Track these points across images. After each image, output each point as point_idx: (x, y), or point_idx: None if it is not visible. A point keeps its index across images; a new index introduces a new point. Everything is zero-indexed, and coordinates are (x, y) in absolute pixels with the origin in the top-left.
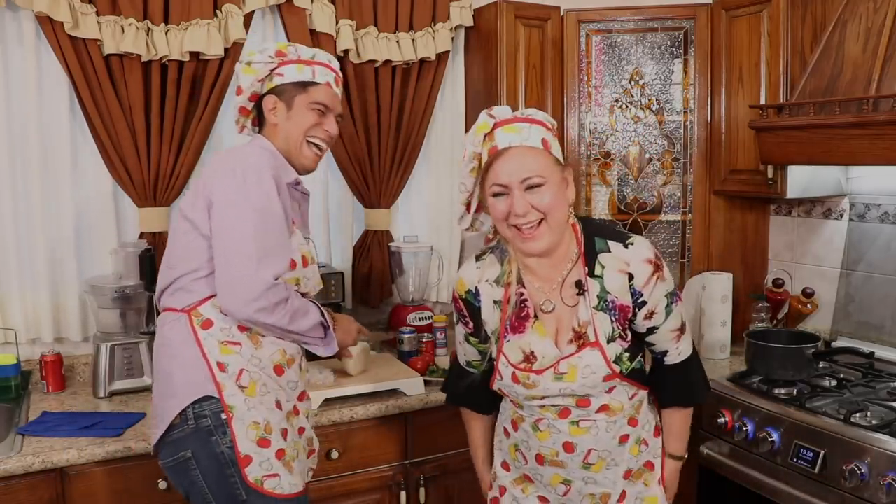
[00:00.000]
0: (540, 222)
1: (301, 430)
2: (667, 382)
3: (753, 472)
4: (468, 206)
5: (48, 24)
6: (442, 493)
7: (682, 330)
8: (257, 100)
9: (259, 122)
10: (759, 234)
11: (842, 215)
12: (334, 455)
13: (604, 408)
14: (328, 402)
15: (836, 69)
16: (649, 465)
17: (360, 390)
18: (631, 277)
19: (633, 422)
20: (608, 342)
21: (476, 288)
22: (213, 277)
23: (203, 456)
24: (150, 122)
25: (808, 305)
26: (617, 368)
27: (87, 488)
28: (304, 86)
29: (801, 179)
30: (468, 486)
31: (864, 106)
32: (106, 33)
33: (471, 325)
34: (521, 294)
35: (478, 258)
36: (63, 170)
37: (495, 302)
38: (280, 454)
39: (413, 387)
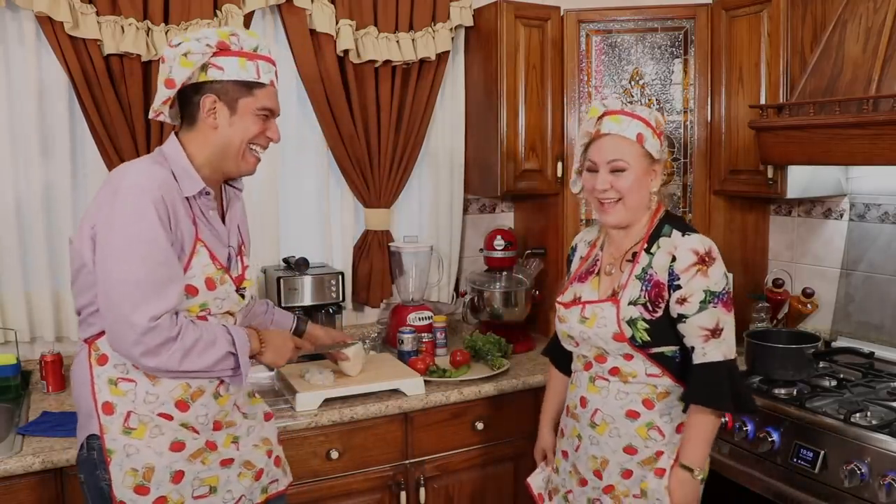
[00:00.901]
0: (618, 201)
1: (227, 462)
2: (690, 379)
3: (753, 472)
4: (580, 173)
5: (48, 24)
6: (442, 493)
7: (714, 333)
8: (181, 89)
9: (182, 115)
10: (759, 234)
11: (842, 215)
12: (334, 455)
13: (615, 370)
14: (328, 402)
15: (836, 69)
16: (660, 455)
17: (360, 390)
18: (673, 259)
19: (647, 403)
20: (629, 304)
21: (576, 245)
22: None
23: (91, 485)
24: (150, 122)
25: (808, 305)
26: (628, 331)
27: None
28: (248, 87)
29: (801, 179)
30: (468, 486)
31: (864, 106)
32: (106, 33)
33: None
34: (598, 255)
35: (590, 227)
36: (63, 170)
37: (581, 257)
38: (160, 502)
39: (413, 387)
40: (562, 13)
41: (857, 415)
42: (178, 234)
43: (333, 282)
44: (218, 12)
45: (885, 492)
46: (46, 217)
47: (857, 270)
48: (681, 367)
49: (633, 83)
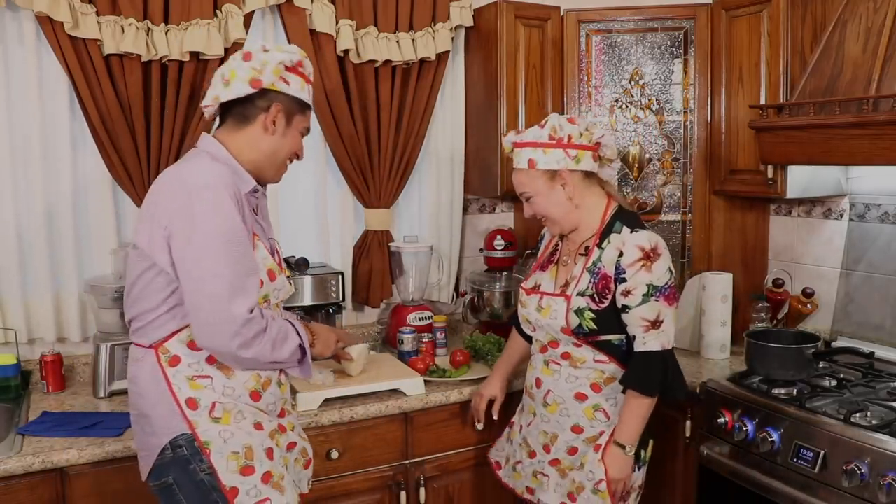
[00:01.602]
0: (545, 219)
1: (291, 446)
2: (629, 364)
3: (753, 472)
4: None
5: (48, 24)
6: (442, 493)
7: (654, 325)
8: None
9: (230, 114)
10: (759, 234)
11: (842, 215)
12: (334, 455)
13: (566, 355)
14: (328, 402)
15: (836, 69)
16: (602, 433)
17: (361, 390)
18: (621, 254)
19: (595, 387)
20: (578, 294)
21: (544, 233)
22: (176, 311)
23: (184, 482)
24: (150, 122)
25: (808, 305)
26: (574, 321)
27: (87, 488)
28: (302, 107)
29: (801, 179)
30: (468, 486)
31: (864, 106)
32: (106, 33)
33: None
34: (557, 245)
35: None
36: (63, 169)
37: (545, 246)
38: (266, 477)
39: (413, 387)
40: (562, 13)
41: (857, 415)
42: (249, 229)
43: (333, 282)
44: (218, 12)
45: (885, 492)
46: (47, 217)
47: (857, 270)
48: (626, 354)
49: (633, 83)
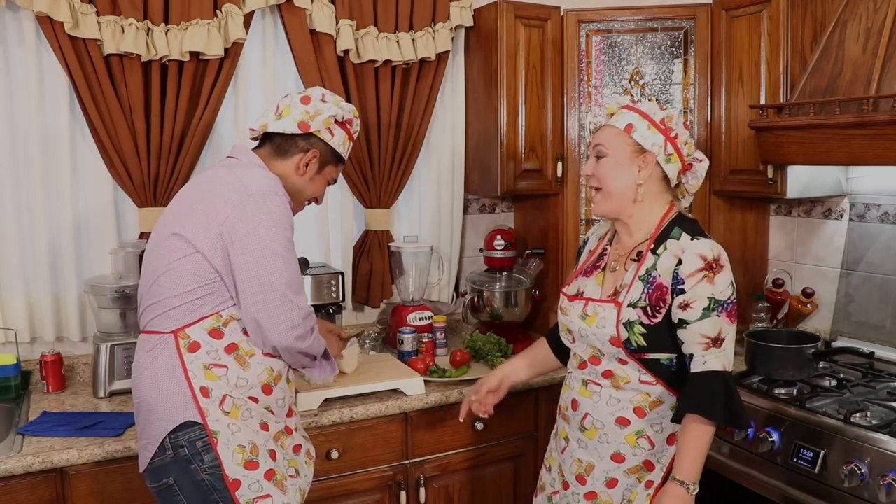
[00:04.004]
0: (599, 190)
1: (297, 448)
2: (686, 387)
3: (753, 472)
4: None
5: (48, 24)
6: (442, 493)
7: (714, 342)
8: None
9: (272, 142)
10: (759, 234)
11: (842, 215)
12: (334, 455)
13: (608, 374)
14: (328, 402)
15: (836, 69)
16: (648, 465)
17: (361, 390)
18: (679, 262)
19: (639, 412)
20: (629, 306)
21: (587, 238)
22: (207, 300)
23: (185, 483)
24: (150, 122)
25: (808, 305)
26: (624, 334)
27: (87, 488)
28: (338, 160)
29: (801, 179)
30: (468, 485)
31: (864, 106)
32: (106, 33)
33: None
34: (605, 249)
35: (603, 222)
36: (63, 170)
37: (590, 250)
38: (270, 475)
39: (413, 387)
40: (562, 13)
41: (857, 415)
42: None
43: (333, 282)
44: (218, 12)
45: (885, 492)
46: (47, 217)
47: (857, 270)
48: (675, 376)
49: (633, 83)
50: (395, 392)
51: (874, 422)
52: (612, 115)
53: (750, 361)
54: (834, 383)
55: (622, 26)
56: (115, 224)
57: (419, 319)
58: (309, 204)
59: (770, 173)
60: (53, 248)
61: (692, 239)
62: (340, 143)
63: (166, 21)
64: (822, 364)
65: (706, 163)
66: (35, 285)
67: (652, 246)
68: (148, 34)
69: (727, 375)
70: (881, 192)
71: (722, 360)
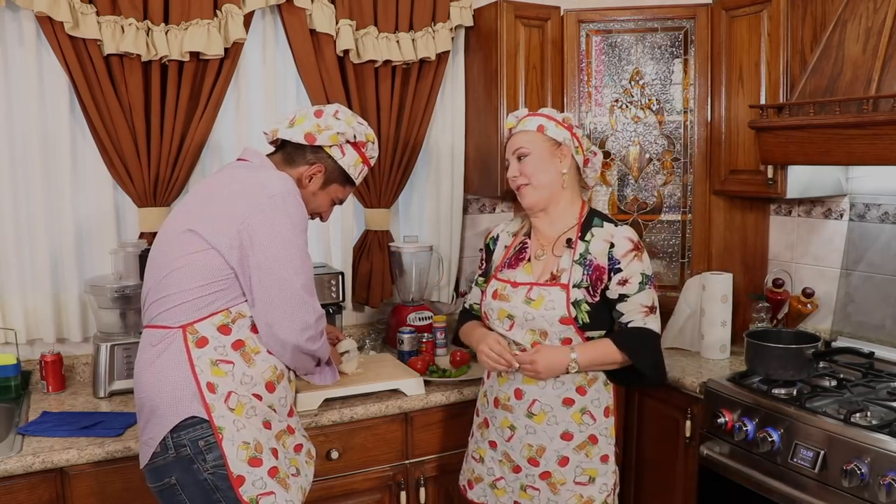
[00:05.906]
0: (527, 184)
1: (299, 448)
2: (623, 332)
3: (753, 472)
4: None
5: (48, 24)
6: (442, 493)
7: (651, 310)
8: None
9: (284, 150)
10: (759, 234)
11: (842, 215)
12: (334, 455)
13: None
14: (328, 402)
15: (836, 69)
16: (593, 439)
17: (361, 390)
18: (612, 246)
19: (581, 390)
20: (574, 286)
21: (497, 235)
22: (218, 296)
23: (188, 483)
24: (150, 122)
25: (808, 305)
26: (573, 312)
27: (87, 488)
28: (346, 181)
29: (801, 179)
30: None
31: (864, 106)
32: (106, 33)
33: (483, 266)
34: (524, 242)
35: (513, 219)
36: (63, 170)
37: (505, 246)
38: (273, 472)
39: (413, 387)
40: (562, 13)
41: (857, 415)
42: None
43: (333, 282)
44: (218, 12)
45: (885, 492)
46: (47, 217)
47: (857, 270)
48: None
49: (633, 83)
50: (395, 392)
51: (874, 422)
52: (512, 128)
53: (750, 361)
54: (834, 383)
55: (622, 26)
56: (115, 224)
57: (419, 319)
58: (312, 219)
59: (770, 173)
60: (53, 248)
61: (616, 226)
62: (351, 163)
63: (166, 21)
64: (822, 364)
65: (600, 155)
66: (35, 285)
67: (580, 234)
68: (148, 34)
69: (659, 337)
70: (881, 192)
71: (657, 324)
